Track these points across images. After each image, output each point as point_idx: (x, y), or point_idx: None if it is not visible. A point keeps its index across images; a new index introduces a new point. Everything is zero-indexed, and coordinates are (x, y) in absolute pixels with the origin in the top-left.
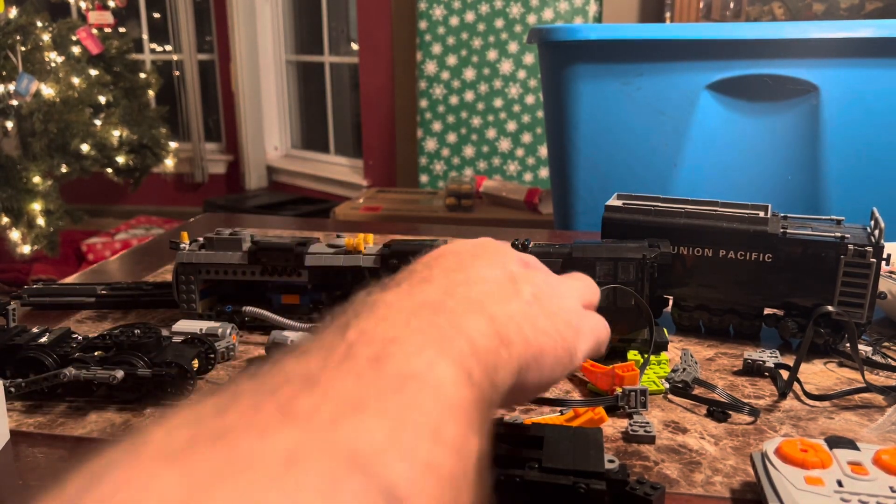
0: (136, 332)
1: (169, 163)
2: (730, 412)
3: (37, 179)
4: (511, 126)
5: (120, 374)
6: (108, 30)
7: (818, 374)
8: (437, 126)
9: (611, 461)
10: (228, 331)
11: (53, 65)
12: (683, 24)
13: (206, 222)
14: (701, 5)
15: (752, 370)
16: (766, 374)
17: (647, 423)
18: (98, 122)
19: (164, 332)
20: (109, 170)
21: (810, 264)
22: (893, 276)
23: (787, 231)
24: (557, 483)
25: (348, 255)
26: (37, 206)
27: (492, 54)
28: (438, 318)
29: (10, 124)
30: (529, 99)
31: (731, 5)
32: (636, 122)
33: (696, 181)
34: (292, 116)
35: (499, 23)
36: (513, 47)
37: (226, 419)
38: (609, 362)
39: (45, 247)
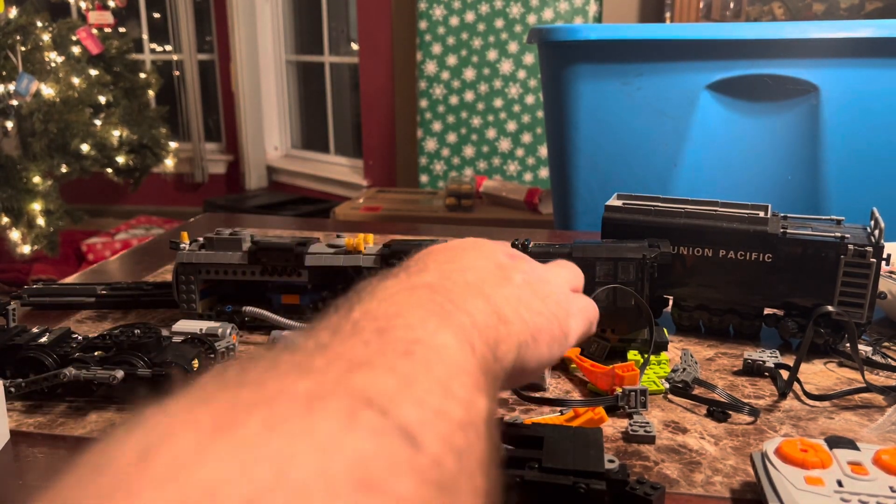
0: (136, 332)
1: (169, 163)
2: (730, 412)
3: (37, 179)
4: (511, 126)
5: (120, 374)
6: (108, 30)
7: (818, 374)
8: (437, 126)
9: (611, 461)
10: (228, 331)
11: (53, 65)
12: (683, 24)
13: (206, 222)
14: (701, 5)
15: (752, 370)
16: (766, 374)
17: (647, 423)
18: (98, 122)
19: (164, 332)
20: (109, 170)
21: (810, 264)
22: (893, 276)
23: (787, 231)
24: (557, 483)
25: (348, 255)
26: (37, 206)
27: (492, 54)
28: (437, 296)
29: (10, 124)
30: (529, 99)
31: (731, 5)
32: (636, 122)
33: (696, 181)
34: (292, 116)
35: (499, 23)
36: (513, 47)
37: (248, 376)
38: (609, 362)
39: (45, 247)
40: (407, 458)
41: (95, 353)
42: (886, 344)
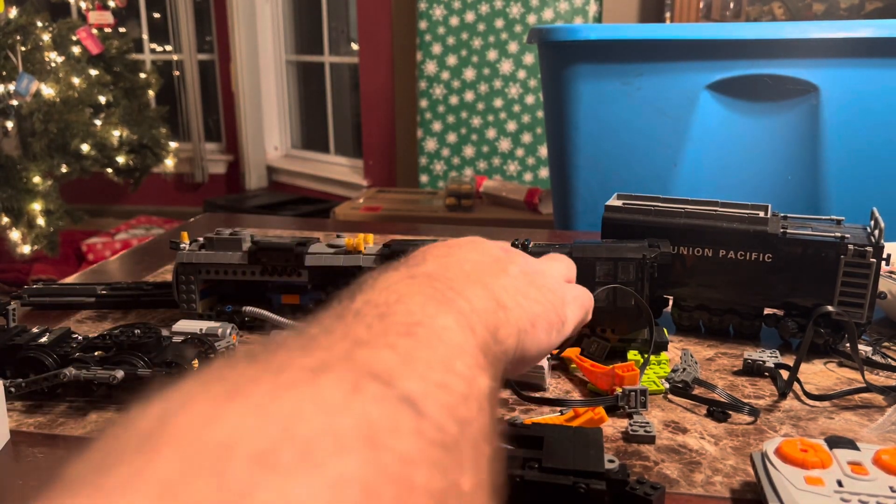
0: (136, 332)
1: (169, 163)
2: (730, 412)
3: (37, 179)
4: (511, 126)
5: (120, 374)
6: (108, 30)
7: (818, 374)
8: (437, 126)
9: (611, 461)
10: (228, 331)
11: (53, 65)
12: (683, 24)
13: (206, 222)
14: (701, 5)
15: (752, 370)
16: (766, 374)
17: (647, 423)
18: (98, 122)
19: (164, 332)
20: (109, 170)
21: (810, 264)
22: (893, 276)
23: (787, 231)
24: (557, 483)
25: (348, 255)
26: (37, 206)
27: (492, 54)
28: (437, 283)
29: (10, 124)
30: (529, 99)
31: (731, 5)
32: (636, 122)
33: (696, 181)
34: (292, 116)
35: (499, 23)
36: (513, 47)
37: (257, 357)
38: (609, 362)
39: (45, 247)
40: (410, 421)
41: (95, 353)
42: (886, 344)
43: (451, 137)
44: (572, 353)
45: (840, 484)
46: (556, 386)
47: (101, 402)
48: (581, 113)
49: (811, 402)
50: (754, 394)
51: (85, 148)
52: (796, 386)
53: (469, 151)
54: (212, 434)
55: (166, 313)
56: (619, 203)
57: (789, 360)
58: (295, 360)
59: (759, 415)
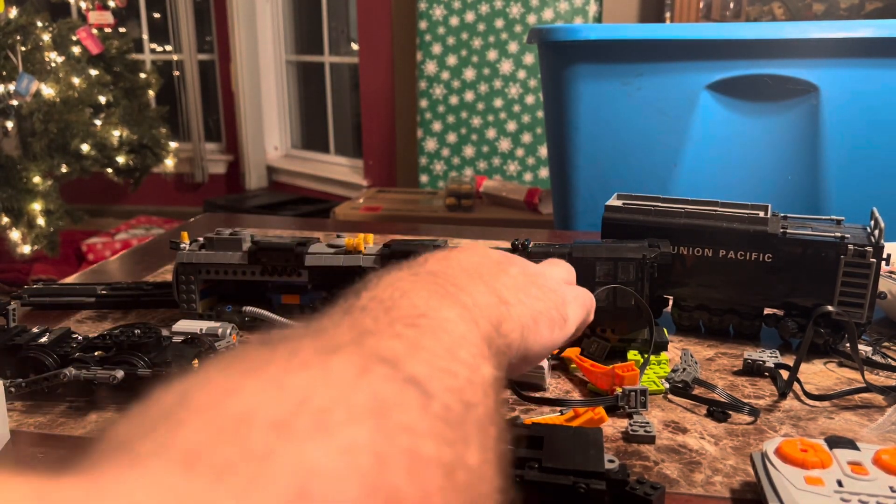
0: (136, 332)
1: (169, 163)
2: (730, 412)
3: (37, 179)
4: (511, 126)
5: (120, 374)
6: (108, 30)
7: (818, 374)
8: (437, 126)
9: (611, 461)
10: (228, 331)
11: (53, 65)
12: (683, 24)
13: (206, 222)
14: (701, 5)
15: (752, 370)
16: (766, 374)
17: (647, 423)
18: (98, 122)
19: (164, 332)
20: (109, 170)
21: (810, 264)
22: (893, 276)
23: (787, 231)
24: (557, 483)
25: (348, 255)
26: (37, 206)
27: (492, 54)
28: (440, 279)
29: (10, 124)
30: (529, 99)
31: (731, 5)
32: (636, 122)
33: (696, 181)
34: (292, 116)
35: (499, 23)
36: (513, 47)
37: (271, 344)
38: (609, 362)
39: (45, 247)
40: (417, 399)
41: (95, 353)
42: (886, 344)
43: (451, 137)
44: (572, 353)
45: (840, 484)
46: (556, 386)
47: (101, 402)
48: (581, 113)
49: (811, 402)
50: (754, 394)
51: (85, 148)
52: (796, 386)
53: (469, 151)
54: (232, 405)
55: (166, 313)
56: (619, 203)
57: (789, 360)
58: (305, 345)
59: (759, 415)
